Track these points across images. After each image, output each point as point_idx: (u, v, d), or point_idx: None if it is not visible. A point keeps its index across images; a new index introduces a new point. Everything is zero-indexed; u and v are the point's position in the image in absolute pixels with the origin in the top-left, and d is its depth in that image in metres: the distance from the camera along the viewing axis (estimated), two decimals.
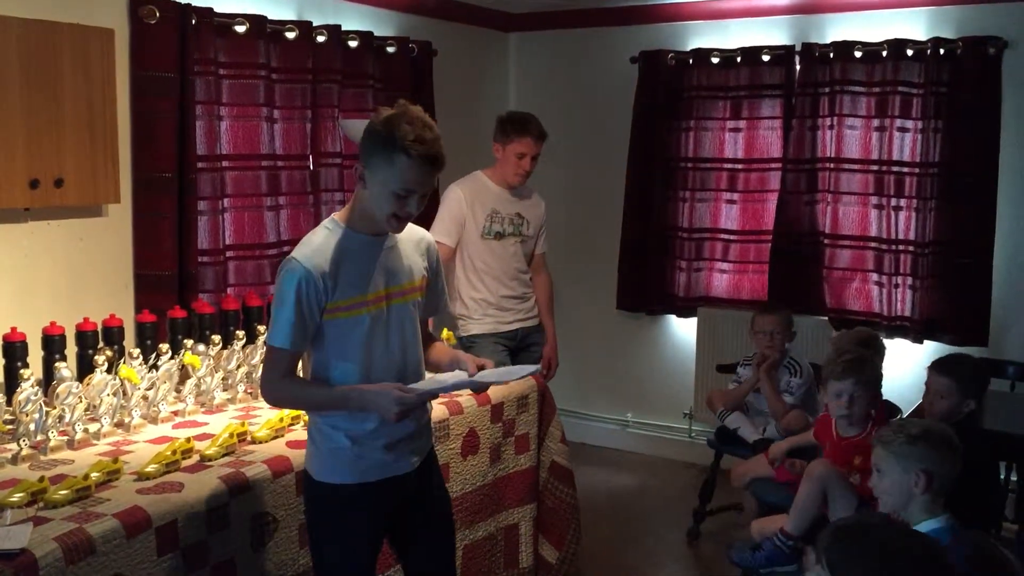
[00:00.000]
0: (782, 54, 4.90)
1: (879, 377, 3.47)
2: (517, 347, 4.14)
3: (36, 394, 2.68)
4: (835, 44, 4.74)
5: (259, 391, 2.70)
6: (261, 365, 3.30)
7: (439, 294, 2.64)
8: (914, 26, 4.62)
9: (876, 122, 4.71)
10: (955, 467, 2.47)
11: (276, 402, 2.51)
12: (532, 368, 2.71)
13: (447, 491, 2.76)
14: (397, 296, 2.43)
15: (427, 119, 2.31)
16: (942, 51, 4.51)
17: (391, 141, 2.25)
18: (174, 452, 2.60)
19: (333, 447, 2.40)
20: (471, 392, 2.63)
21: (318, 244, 2.35)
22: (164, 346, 3.12)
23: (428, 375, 2.55)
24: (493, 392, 3.38)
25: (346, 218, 2.40)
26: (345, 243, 2.36)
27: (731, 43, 5.04)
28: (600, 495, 4.82)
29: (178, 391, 3.15)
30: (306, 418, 2.99)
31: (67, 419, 2.76)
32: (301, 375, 2.55)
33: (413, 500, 2.52)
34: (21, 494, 2.31)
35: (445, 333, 3.66)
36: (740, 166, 5.11)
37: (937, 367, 3.48)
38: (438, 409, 3.13)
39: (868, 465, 3.07)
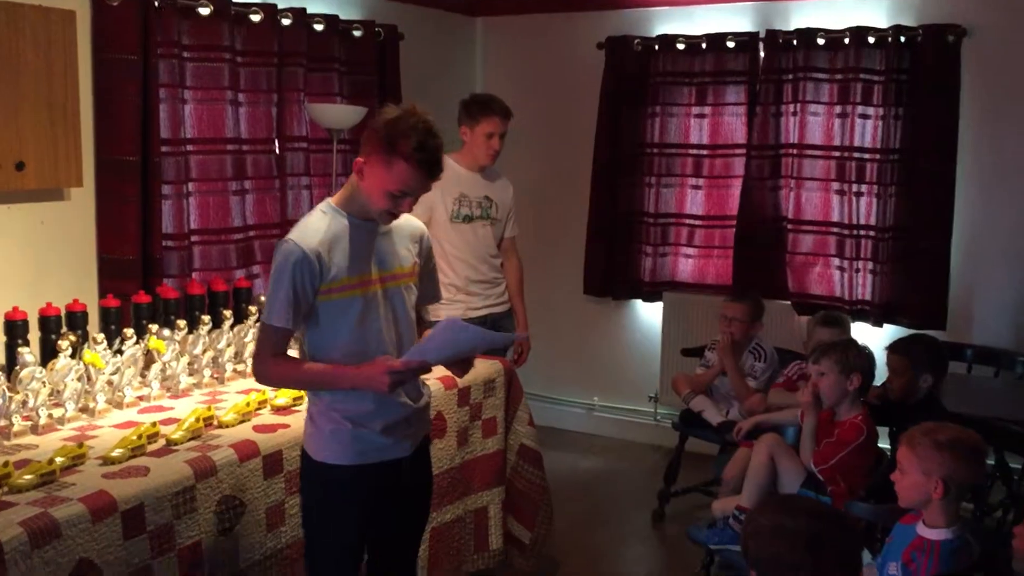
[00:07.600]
0: (746, 41, 4.94)
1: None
2: None
3: None
4: (798, 31, 4.79)
5: (250, 369, 2.72)
6: (226, 350, 3.33)
7: (432, 283, 2.69)
8: (875, 14, 4.68)
9: (838, 109, 4.76)
10: (977, 477, 2.45)
11: (267, 380, 2.51)
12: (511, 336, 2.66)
13: (432, 484, 2.75)
14: (390, 280, 2.47)
15: (431, 125, 2.34)
16: (902, 39, 4.57)
17: (393, 145, 2.30)
18: (140, 437, 2.60)
19: (333, 428, 2.42)
20: (453, 369, 2.58)
21: (313, 226, 2.39)
22: (129, 331, 3.11)
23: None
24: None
25: (340, 202, 2.44)
26: (340, 226, 2.40)
27: (696, 29, 5.07)
28: (567, 478, 4.85)
29: (143, 376, 3.13)
30: (273, 403, 3.01)
31: (31, 404, 2.74)
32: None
33: (401, 489, 2.53)
34: None
35: None
36: (705, 152, 5.14)
37: (891, 347, 3.73)
38: None
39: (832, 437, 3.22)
